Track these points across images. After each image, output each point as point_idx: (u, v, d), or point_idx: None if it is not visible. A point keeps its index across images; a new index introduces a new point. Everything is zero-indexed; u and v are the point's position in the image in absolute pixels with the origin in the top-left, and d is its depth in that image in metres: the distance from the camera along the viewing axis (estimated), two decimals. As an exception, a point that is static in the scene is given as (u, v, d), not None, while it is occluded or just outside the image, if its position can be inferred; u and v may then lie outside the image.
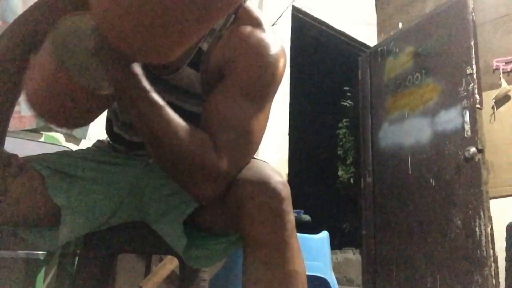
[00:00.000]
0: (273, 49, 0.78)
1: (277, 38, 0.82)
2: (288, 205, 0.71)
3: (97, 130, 1.87)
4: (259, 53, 0.77)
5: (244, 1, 0.84)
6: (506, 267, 2.24)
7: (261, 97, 0.77)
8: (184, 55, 0.82)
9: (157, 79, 0.85)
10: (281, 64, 0.78)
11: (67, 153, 0.96)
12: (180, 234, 0.81)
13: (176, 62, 0.83)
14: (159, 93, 0.85)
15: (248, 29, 0.80)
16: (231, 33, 0.81)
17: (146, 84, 0.70)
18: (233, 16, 0.83)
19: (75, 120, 0.78)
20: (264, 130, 0.78)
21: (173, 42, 0.62)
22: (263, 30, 0.81)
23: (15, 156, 0.82)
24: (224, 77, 0.78)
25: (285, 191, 0.72)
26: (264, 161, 0.81)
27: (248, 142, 0.75)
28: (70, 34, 0.70)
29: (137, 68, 0.69)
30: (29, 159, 0.85)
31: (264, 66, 0.76)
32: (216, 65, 0.81)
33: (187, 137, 0.70)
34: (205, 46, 0.82)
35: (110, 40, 0.63)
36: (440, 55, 2.76)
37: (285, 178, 2.68)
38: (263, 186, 0.70)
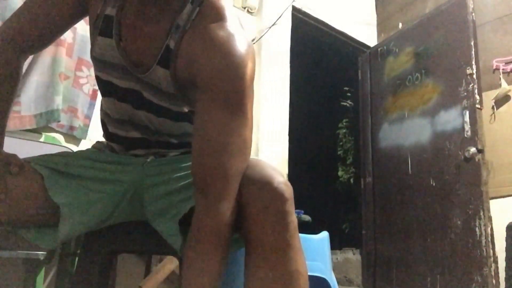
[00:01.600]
0: (239, 48, 0.75)
1: (242, 32, 0.79)
2: (290, 205, 0.72)
3: (97, 131, 1.88)
4: (225, 55, 0.74)
5: None
6: (506, 267, 2.24)
7: (241, 104, 0.75)
8: (153, 53, 0.83)
9: (136, 78, 0.86)
10: (250, 65, 0.76)
11: (67, 154, 0.96)
12: (176, 233, 0.81)
13: (147, 60, 0.83)
14: (142, 90, 0.86)
15: (213, 28, 0.78)
16: (196, 30, 0.80)
17: None
18: (198, 9, 0.81)
19: None
20: (252, 132, 0.78)
21: None
22: (229, 25, 0.78)
23: (14, 156, 0.82)
24: (199, 90, 0.76)
25: (288, 191, 0.72)
26: (266, 162, 0.81)
27: (243, 155, 0.75)
28: None
29: None
30: (28, 160, 0.85)
31: (232, 68, 0.74)
32: (185, 65, 0.81)
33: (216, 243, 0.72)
34: (172, 43, 0.82)
35: None
36: (440, 55, 2.76)
37: (285, 178, 2.67)
38: (266, 186, 0.71)
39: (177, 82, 0.83)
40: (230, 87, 0.74)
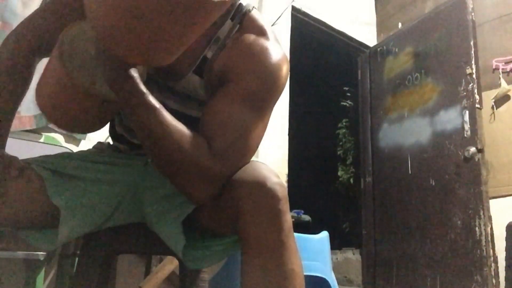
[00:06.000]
0: (276, 58, 0.78)
1: (280, 47, 0.82)
2: (284, 205, 0.71)
3: (96, 131, 1.87)
4: (261, 61, 0.77)
5: (250, 10, 0.85)
6: (506, 267, 2.24)
7: (261, 105, 0.77)
8: (189, 63, 0.84)
9: (163, 86, 0.86)
10: (283, 73, 0.79)
11: (67, 155, 0.96)
12: (179, 235, 0.81)
13: (182, 69, 0.85)
14: (165, 99, 0.87)
15: (251, 37, 0.81)
16: (235, 41, 0.82)
17: (142, 87, 0.71)
18: (238, 25, 0.84)
19: (83, 125, 0.85)
20: (262, 137, 0.79)
21: (167, 45, 0.65)
22: (267, 38, 0.81)
23: (15, 158, 0.82)
24: (226, 83, 0.78)
25: (282, 191, 0.72)
26: (261, 162, 0.81)
27: (244, 147, 0.75)
28: (76, 38, 0.77)
29: (133, 72, 0.71)
30: (29, 161, 0.85)
31: (265, 75, 0.77)
32: (219, 72, 0.82)
33: (182, 138, 0.71)
34: (209, 54, 0.83)
35: (104, 44, 0.65)
36: (439, 55, 2.76)
37: (285, 178, 2.68)
38: (260, 186, 0.71)
39: (209, 88, 0.85)
40: (260, 87, 0.76)
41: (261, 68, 0.77)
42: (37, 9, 0.92)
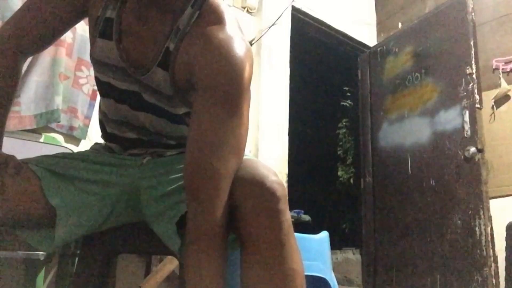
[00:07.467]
0: (238, 50, 0.76)
1: (241, 35, 0.80)
2: (283, 204, 0.71)
3: (97, 131, 1.88)
4: (223, 56, 0.75)
5: None
6: (506, 267, 2.24)
7: (236, 103, 0.75)
8: (153, 55, 0.83)
9: (135, 80, 0.86)
10: (247, 62, 0.77)
11: (64, 155, 0.96)
12: (174, 234, 0.81)
13: (146, 62, 0.84)
14: (142, 92, 0.86)
15: (211, 30, 0.79)
16: (195, 32, 0.81)
17: None
18: (198, 12, 0.82)
19: None
20: (247, 132, 0.78)
21: None
22: (228, 28, 0.79)
23: (12, 157, 0.82)
24: (196, 92, 0.77)
25: (281, 190, 0.71)
26: (259, 160, 0.80)
27: (238, 152, 0.75)
28: None
29: None
30: (26, 161, 0.85)
31: (230, 69, 0.75)
32: (183, 66, 0.81)
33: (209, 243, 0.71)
34: (171, 46, 0.82)
35: None
36: (439, 55, 2.76)
37: (285, 178, 2.68)
38: (259, 186, 0.70)
39: (176, 83, 0.84)
40: (228, 87, 0.74)
41: (225, 64, 0.74)
42: (21, 7, 0.92)
